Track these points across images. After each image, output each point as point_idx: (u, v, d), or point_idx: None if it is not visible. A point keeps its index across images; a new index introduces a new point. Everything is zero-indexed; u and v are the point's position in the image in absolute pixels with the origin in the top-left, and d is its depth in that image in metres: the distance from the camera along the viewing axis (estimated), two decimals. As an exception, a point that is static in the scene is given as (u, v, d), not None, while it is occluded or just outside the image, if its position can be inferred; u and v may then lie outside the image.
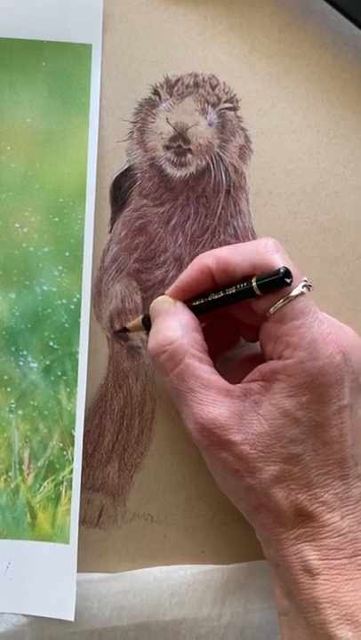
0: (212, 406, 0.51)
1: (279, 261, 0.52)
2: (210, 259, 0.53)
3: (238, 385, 0.52)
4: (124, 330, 0.59)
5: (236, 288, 0.53)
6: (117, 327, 0.60)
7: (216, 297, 0.54)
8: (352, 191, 0.61)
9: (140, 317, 0.58)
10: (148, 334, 0.56)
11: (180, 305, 0.54)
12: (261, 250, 0.53)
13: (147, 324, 0.57)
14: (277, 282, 0.51)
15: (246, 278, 0.52)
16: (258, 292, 0.52)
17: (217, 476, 0.54)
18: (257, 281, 0.52)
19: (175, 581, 0.58)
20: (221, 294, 0.53)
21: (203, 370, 0.52)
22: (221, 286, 0.54)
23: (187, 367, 0.52)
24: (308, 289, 0.52)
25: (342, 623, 0.49)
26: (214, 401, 0.51)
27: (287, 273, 0.51)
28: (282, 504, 0.51)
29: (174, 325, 0.53)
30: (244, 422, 0.51)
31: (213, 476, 0.54)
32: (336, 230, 0.61)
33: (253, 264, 0.52)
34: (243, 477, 0.51)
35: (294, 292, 0.51)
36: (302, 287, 0.51)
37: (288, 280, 0.51)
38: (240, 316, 0.56)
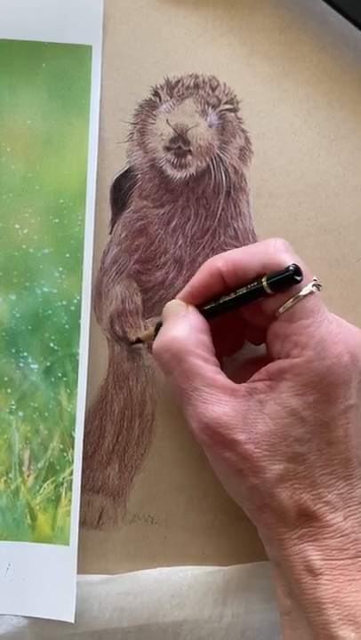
0: (216, 405, 0.51)
1: (289, 260, 0.52)
2: (220, 261, 0.53)
3: (243, 384, 0.52)
4: (138, 341, 0.59)
5: (247, 288, 0.53)
6: (118, 329, 0.60)
7: (227, 299, 0.54)
8: (352, 192, 0.61)
9: (153, 327, 0.57)
10: None
11: (191, 308, 0.54)
12: (271, 250, 0.52)
13: None
14: (288, 279, 0.51)
15: (256, 279, 0.52)
16: (269, 290, 0.52)
17: (220, 475, 0.54)
18: (267, 279, 0.51)
19: (176, 583, 0.58)
20: (232, 296, 0.53)
21: (207, 369, 0.52)
22: (232, 288, 0.53)
23: (191, 366, 0.52)
24: (318, 288, 0.52)
25: (345, 624, 0.49)
26: (219, 400, 0.51)
27: (297, 270, 0.51)
28: (286, 504, 0.51)
29: (181, 326, 0.53)
30: (249, 421, 0.51)
31: (217, 476, 0.54)
32: (337, 232, 0.61)
33: (263, 264, 0.52)
34: (247, 477, 0.51)
35: (304, 291, 0.51)
36: (312, 286, 0.51)
37: (298, 277, 0.51)
38: (249, 317, 0.56)
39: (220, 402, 0.51)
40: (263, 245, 0.53)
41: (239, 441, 0.50)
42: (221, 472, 0.53)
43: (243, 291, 0.53)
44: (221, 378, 0.52)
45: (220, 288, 0.54)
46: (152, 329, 0.57)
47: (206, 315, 0.54)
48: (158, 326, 0.56)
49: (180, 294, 0.55)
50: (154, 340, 0.55)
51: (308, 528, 0.51)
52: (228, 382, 0.52)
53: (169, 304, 0.55)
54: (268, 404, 0.51)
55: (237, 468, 0.51)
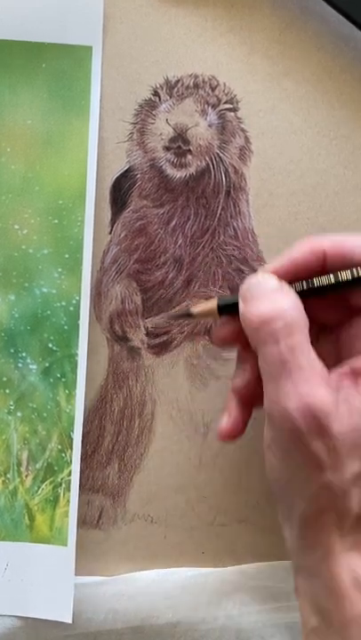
0: (318, 388, 0.47)
1: None
2: (325, 241, 0.51)
3: (330, 376, 0.50)
4: (188, 315, 0.54)
5: (353, 273, 0.50)
6: (117, 329, 0.60)
7: (326, 282, 0.50)
8: (352, 192, 0.61)
9: (215, 300, 0.53)
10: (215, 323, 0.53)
11: (286, 286, 0.50)
12: None
13: (225, 309, 0.53)
14: None
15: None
16: None
17: (286, 470, 0.49)
18: None
19: (170, 584, 0.58)
20: (332, 280, 0.50)
21: (312, 350, 0.48)
22: (327, 272, 0.50)
23: (301, 341, 0.48)
24: None
25: None
26: (320, 384, 0.47)
27: None
28: (353, 505, 0.47)
29: (289, 300, 0.49)
30: (339, 414, 0.47)
31: (275, 473, 0.50)
32: (337, 231, 0.61)
33: None
34: (324, 472, 0.47)
35: None
36: None
37: None
38: (320, 310, 0.52)
39: (321, 386, 0.47)
40: None
41: (333, 431, 0.47)
42: (291, 467, 0.49)
43: (346, 275, 0.50)
44: (321, 363, 0.49)
45: (314, 270, 0.51)
46: (213, 302, 0.53)
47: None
48: (222, 302, 0.53)
49: (271, 267, 0.52)
50: (219, 314, 0.52)
51: (358, 534, 0.48)
52: (325, 370, 0.49)
53: (256, 278, 0.51)
54: (355, 399, 0.48)
55: (319, 461, 0.47)
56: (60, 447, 0.58)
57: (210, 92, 0.60)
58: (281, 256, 0.51)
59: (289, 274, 0.51)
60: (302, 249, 0.51)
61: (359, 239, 0.50)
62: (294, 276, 0.51)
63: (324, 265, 0.51)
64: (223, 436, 0.54)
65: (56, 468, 0.58)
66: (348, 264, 0.50)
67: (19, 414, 0.58)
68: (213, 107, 0.60)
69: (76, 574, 0.58)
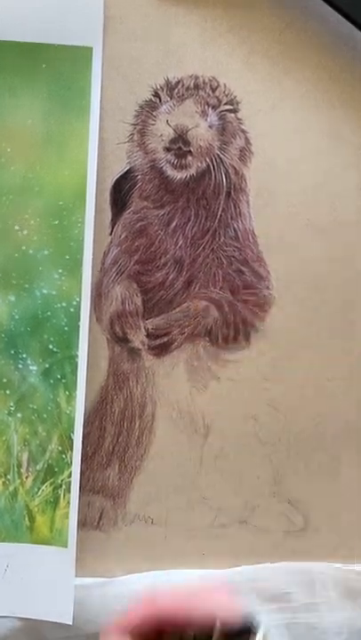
0: None
1: (242, 609, 0.45)
2: (161, 608, 0.46)
3: None
4: None
5: None
6: (118, 330, 0.60)
7: None
8: (352, 192, 0.61)
9: None
10: None
11: None
12: (220, 597, 0.46)
13: None
14: (246, 632, 0.44)
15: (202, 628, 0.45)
16: None
17: None
18: (223, 634, 0.44)
19: (170, 586, 0.58)
20: None
21: None
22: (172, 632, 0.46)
23: None
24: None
25: None
26: None
27: (253, 623, 0.44)
28: None
29: None
30: None
31: None
32: (336, 231, 0.61)
33: (213, 612, 0.45)
34: None
35: None
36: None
37: (256, 629, 0.44)
38: None
39: None
40: (210, 592, 0.47)
41: None
42: None
43: None
44: None
45: (160, 625, 0.46)
46: None
47: None
48: None
49: (119, 627, 0.46)
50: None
51: None
52: None
53: None
54: None
55: None
56: (60, 448, 0.58)
57: (210, 92, 0.60)
58: (128, 614, 0.46)
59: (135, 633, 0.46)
60: (143, 609, 0.46)
61: (195, 602, 0.46)
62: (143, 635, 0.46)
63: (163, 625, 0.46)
64: None
65: (56, 470, 0.58)
66: (187, 627, 0.45)
67: (19, 415, 0.58)
68: (214, 108, 0.60)
69: (76, 575, 0.58)
